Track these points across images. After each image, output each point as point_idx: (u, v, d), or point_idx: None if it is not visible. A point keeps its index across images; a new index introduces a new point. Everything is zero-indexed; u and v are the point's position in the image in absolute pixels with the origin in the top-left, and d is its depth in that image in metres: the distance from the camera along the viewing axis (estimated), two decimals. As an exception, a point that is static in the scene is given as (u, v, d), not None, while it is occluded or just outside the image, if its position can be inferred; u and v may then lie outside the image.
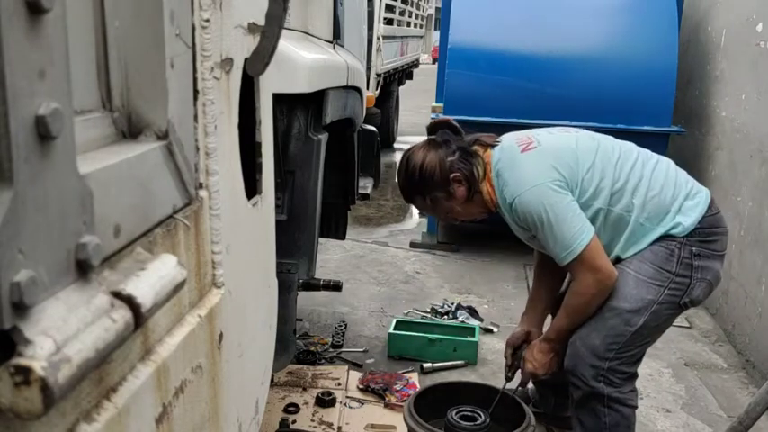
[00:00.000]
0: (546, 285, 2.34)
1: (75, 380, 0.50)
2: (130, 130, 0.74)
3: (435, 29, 28.08)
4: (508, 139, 2.09)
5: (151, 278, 0.63)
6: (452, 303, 3.64)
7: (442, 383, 2.31)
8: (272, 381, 2.17)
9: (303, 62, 1.76)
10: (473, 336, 3.12)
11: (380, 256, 4.60)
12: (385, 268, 4.34)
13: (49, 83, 0.51)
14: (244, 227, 1.09)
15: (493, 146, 2.07)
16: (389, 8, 7.27)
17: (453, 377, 2.83)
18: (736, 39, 3.79)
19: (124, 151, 0.68)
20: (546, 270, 2.28)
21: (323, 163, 2.04)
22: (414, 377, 2.85)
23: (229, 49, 0.96)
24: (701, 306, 3.76)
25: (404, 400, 2.49)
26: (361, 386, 2.72)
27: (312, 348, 3.07)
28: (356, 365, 2.97)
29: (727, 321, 3.48)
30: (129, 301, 0.58)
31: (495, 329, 3.40)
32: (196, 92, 0.85)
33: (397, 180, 2.25)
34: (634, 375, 2.08)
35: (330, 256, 4.47)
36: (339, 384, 2.73)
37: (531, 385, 2.58)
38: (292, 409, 2.50)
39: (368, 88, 4.72)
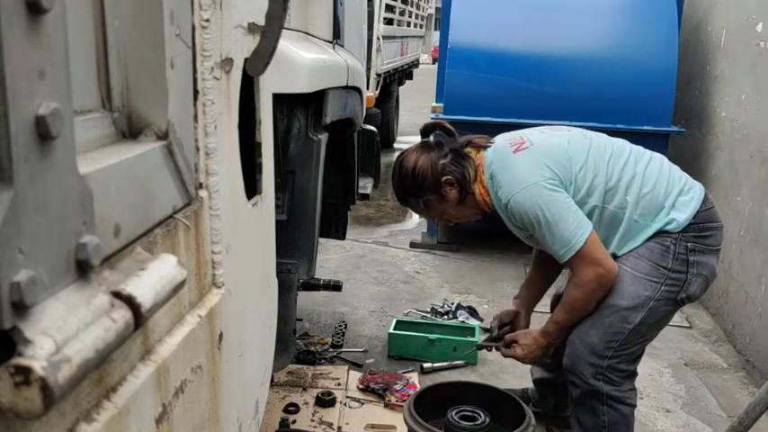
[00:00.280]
0: (542, 274, 2.36)
1: (75, 380, 0.50)
2: (130, 130, 0.74)
3: (435, 29, 28.08)
4: (501, 139, 2.09)
5: (151, 278, 0.63)
6: (452, 303, 3.64)
7: (442, 383, 2.31)
8: (272, 381, 2.17)
9: (303, 62, 1.76)
10: (473, 336, 3.12)
11: (380, 256, 4.60)
12: (385, 268, 4.34)
13: (48, 83, 0.51)
14: (244, 227, 1.09)
15: (486, 147, 2.07)
16: (389, 8, 7.27)
17: (453, 377, 2.83)
18: (736, 39, 3.79)
19: (124, 151, 0.68)
20: (544, 256, 2.27)
21: (323, 163, 2.04)
22: (414, 377, 2.85)
23: (229, 49, 0.96)
24: (701, 306, 3.76)
25: (404, 400, 2.50)
26: (361, 386, 2.72)
27: (312, 348, 3.07)
28: (356, 365, 2.97)
29: (727, 321, 3.47)
30: (129, 301, 0.58)
31: (495, 329, 3.40)
32: (196, 92, 0.85)
33: (391, 182, 2.26)
34: (633, 374, 2.08)
35: (330, 256, 4.47)
36: (339, 384, 2.73)
37: (531, 385, 2.59)
38: (292, 409, 2.50)
39: (368, 88, 4.71)
